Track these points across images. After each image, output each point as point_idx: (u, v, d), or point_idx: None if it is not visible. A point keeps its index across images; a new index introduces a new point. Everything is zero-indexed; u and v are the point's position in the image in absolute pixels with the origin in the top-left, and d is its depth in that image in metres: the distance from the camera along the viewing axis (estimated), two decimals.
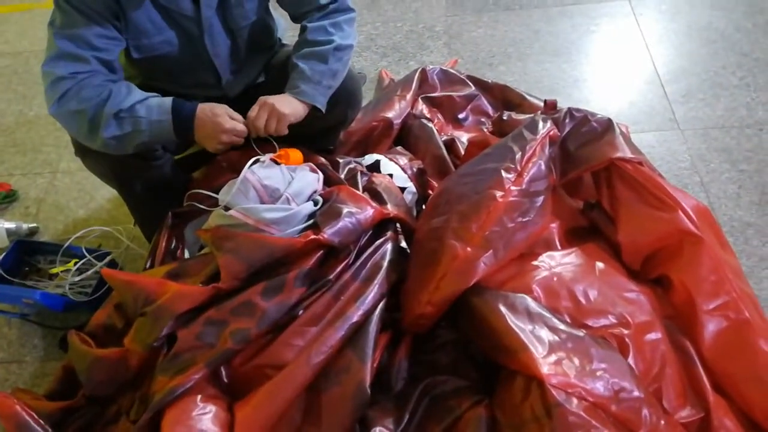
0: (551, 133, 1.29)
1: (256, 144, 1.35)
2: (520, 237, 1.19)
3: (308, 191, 1.29)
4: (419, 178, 1.56)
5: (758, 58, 1.98)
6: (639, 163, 1.26)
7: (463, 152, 1.67)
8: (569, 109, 1.36)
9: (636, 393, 0.99)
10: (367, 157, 1.58)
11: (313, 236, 1.16)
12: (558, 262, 1.21)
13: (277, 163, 1.30)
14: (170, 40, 1.29)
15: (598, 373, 0.99)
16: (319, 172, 1.37)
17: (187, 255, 1.38)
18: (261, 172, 1.26)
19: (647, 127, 1.83)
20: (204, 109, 1.23)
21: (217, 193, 1.29)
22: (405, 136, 1.76)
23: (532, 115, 1.42)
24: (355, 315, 1.11)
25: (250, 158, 1.29)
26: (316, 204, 1.27)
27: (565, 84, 2.00)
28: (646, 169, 1.26)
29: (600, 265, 1.21)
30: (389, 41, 2.28)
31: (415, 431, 1.09)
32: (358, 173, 1.43)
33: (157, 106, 1.20)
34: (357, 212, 1.22)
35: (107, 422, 1.19)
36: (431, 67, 1.95)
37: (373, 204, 1.27)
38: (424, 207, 1.47)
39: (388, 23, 2.36)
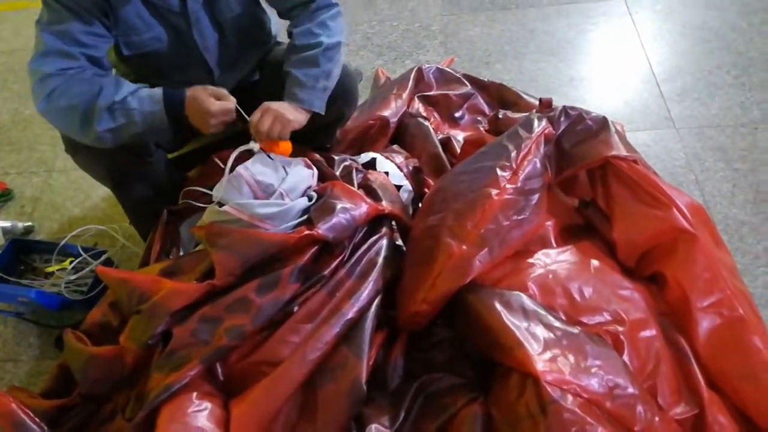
0: (546, 131, 1.29)
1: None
2: (515, 235, 1.19)
3: (302, 187, 1.29)
4: (415, 177, 1.57)
5: (753, 57, 1.98)
6: (634, 161, 1.26)
7: (459, 151, 1.67)
8: (564, 107, 1.36)
9: (631, 390, 0.99)
10: (363, 155, 1.58)
11: (307, 232, 1.17)
12: (553, 259, 1.21)
13: (269, 156, 1.29)
14: (159, 36, 1.28)
15: (593, 370, 0.99)
16: (314, 168, 1.37)
17: (182, 252, 1.38)
18: (254, 167, 1.26)
19: (643, 125, 1.84)
20: (190, 95, 1.20)
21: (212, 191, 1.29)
22: (401, 135, 1.76)
23: (527, 113, 1.42)
24: (351, 311, 1.11)
25: (245, 153, 1.28)
26: (310, 199, 1.27)
27: (561, 83, 2.01)
28: (641, 167, 1.26)
29: (595, 262, 1.22)
30: (385, 40, 2.28)
31: (411, 429, 1.09)
32: (354, 170, 1.43)
33: (148, 96, 1.19)
34: (351, 208, 1.22)
35: (103, 420, 1.19)
36: (427, 65, 1.95)
37: (368, 200, 1.27)
38: (420, 205, 1.47)
39: (384, 22, 2.36)
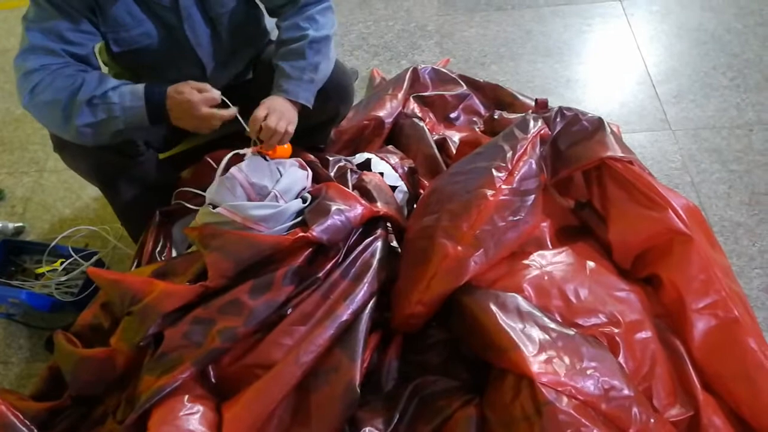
0: (542, 132, 1.28)
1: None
2: (511, 236, 1.18)
3: (297, 188, 1.28)
4: (410, 177, 1.56)
5: (748, 59, 1.99)
6: (629, 162, 1.26)
7: (454, 151, 1.67)
8: (560, 108, 1.35)
9: (626, 391, 0.99)
10: (358, 155, 1.57)
11: (301, 234, 1.16)
12: (549, 261, 1.21)
13: (264, 158, 1.29)
14: (149, 32, 1.27)
15: (589, 372, 0.98)
16: (308, 169, 1.36)
17: (174, 254, 1.37)
18: (248, 169, 1.25)
19: (638, 127, 1.83)
20: (172, 91, 1.18)
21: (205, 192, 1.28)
22: (396, 135, 1.75)
23: (523, 114, 1.41)
24: (345, 314, 1.11)
25: (238, 156, 1.28)
26: (304, 201, 1.26)
27: (557, 84, 2.01)
28: (637, 169, 1.26)
29: (591, 264, 1.21)
30: (381, 40, 2.28)
31: (405, 431, 1.08)
32: (348, 171, 1.42)
33: (129, 92, 1.17)
34: (346, 210, 1.21)
35: (94, 423, 1.18)
36: (423, 66, 1.95)
37: (363, 201, 1.26)
38: (415, 206, 1.47)
39: (380, 22, 2.36)
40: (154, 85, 1.19)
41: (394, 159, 1.56)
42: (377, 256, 1.21)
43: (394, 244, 1.34)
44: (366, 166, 1.51)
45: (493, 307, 1.07)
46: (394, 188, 1.46)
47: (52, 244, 1.57)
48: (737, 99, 1.87)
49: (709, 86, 1.92)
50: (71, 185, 1.93)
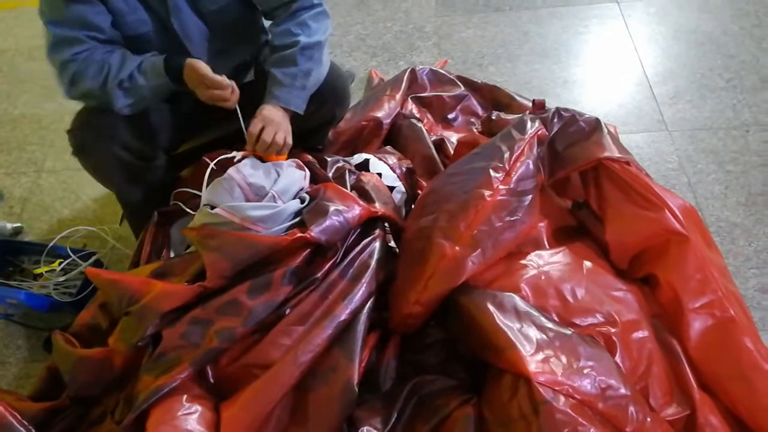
0: (539, 132, 1.29)
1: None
2: (508, 236, 1.19)
3: (295, 189, 1.28)
4: (408, 178, 1.56)
5: (744, 60, 2.00)
6: (626, 162, 1.27)
7: (452, 152, 1.67)
8: (557, 108, 1.36)
9: (623, 391, 0.99)
10: (356, 156, 1.57)
11: (299, 234, 1.16)
12: (546, 261, 1.21)
13: (262, 160, 1.29)
14: (144, 20, 1.29)
15: (586, 371, 0.99)
16: (306, 170, 1.36)
17: (172, 254, 1.37)
18: (246, 169, 1.25)
19: (635, 128, 1.84)
20: (188, 63, 1.23)
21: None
22: (394, 136, 1.75)
23: (520, 115, 1.42)
24: (343, 314, 1.11)
25: (233, 156, 1.28)
26: (302, 201, 1.26)
27: (555, 85, 2.01)
28: (634, 169, 1.26)
29: (588, 264, 1.22)
30: (379, 41, 2.28)
31: (403, 430, 1.08)
32: (346, 171, 1.42)
33: (151, 70, 1.24)
34: (344, 210, 1.21)
35: (92, 423, 1.18)
36: (421, 67, 1.95)
37: (361, 202, 1.26)
38: (413, 206, 1.47)
39: (378, 23, 2.36)
40: (171, 58, 1.25)
41: (392, 159, 1.57)
42: (375, 256, 1.21)
43: (392, 244, 1.35)
44: (364, 166, 1.51)
45: (491, 307, 1.07)
46: (392, 189, 1.47)
47: (51, 244, 1.57)
48: (734, 100, 1.88)
49: (706, 87, 1.93)
50: (69, 185, 1.93)
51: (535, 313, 1.08)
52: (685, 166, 1.72)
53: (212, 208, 1.21)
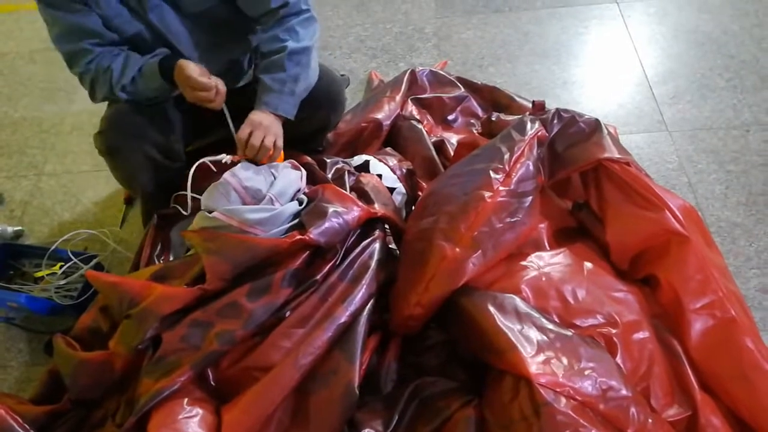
0: (539, 133, 1.29)
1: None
2: (508, 237, 1.19)
3: (292, 190, 1.28)
4: (408, 179, 1.56)
5: (744, 60, 1.99)
6: (626, 163, 1.27)
7: (452, 153, 1.67)
8: (557, 109, 1.36)
9: (624, 392, 0.99)
10: (356, 158, 1.57)
11: (299, 236, 1.16)
12: (546, 262, 1.21)
13: (255, 163, 1.29)
14: (130, 22, 1.31)
15: (587, 373, 0.99)
16: (302, 169, 1.36)
17: (172, 257, 1.37)
18: (242, 173, 1.25)
19: (635, 128, 1.84)
20: (179, 64, 1.27)
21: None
22: (394, 138, 1.75)
23: (520, 116, 1.42)
24: (343, 316, 1.11)
25: (236, 161, 1.28)
26: (300, 203, 1.26)
27: (554, 86, 2.01)
28: (634, 170, 1.26)
29: (588, 265, 1.22)
30: (378, 43, 2.28)
31: None
32: (346, 173, 1.42)
33: (149, 73, 1.30)
34: (343, 212, 1.21)
35: (93, 426, 1.18)
36: (421, 68, 1.95)
37: (360, 203, 1.26)
38: (413, 208, 1.47)
39: (378, 25, 2.36)
40: (167, 60, 1.29)
41: (393, 161, 1.57)
42: (375, 257, 1.21)
43: (393, 246, 1.35)
44: (364, 168, 1.51)
45: (491, 309, 1.07)
46: (392, 190, 1.47)
47: (52, 248, 1.57)
48: (734, 100, 1.88)
49: (706, 87, 1.93)
50: (70, 189, 1.93)
51: (536, 315, 1.08)
52: (685, 166, 1.72)
53: (210, 212, 1.21)
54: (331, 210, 1.20)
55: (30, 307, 1.46)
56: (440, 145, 1.72)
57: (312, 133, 1.54)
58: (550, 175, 1.32)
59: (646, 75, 2.00)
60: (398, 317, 1.18)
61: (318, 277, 1.17)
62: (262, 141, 1.27)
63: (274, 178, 1.27)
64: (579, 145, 1.31)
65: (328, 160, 1.47)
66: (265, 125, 1.28)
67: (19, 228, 1.80)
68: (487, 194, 1.17)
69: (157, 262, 1.36)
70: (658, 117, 1.86)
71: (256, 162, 1.30)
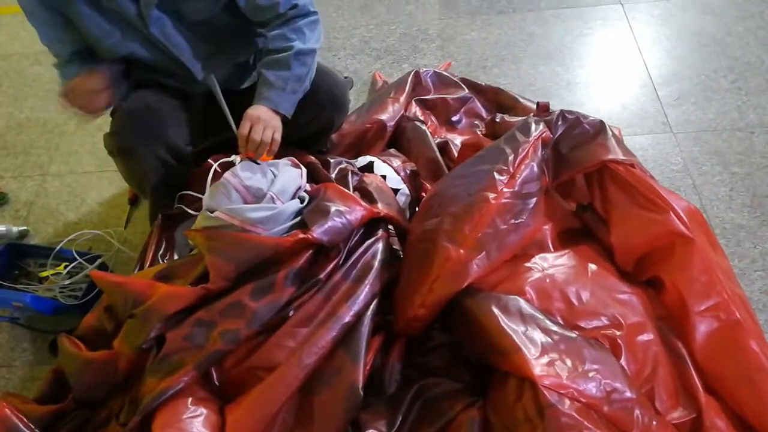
0: (544, 135, 1.29)
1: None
2: (512, 239, 1.19)
3: (292, 188, 1.28)
4: (413, 180, 1.56)
5: (749, 62, 1.99)
6: (631, 165, 1.26)
7: (456, 155, 1.67)
8: (561, 111, 1.36)
9: (628, 394, 0.99)
10: (360, 158, 1.58)
11: (302, 235, 1.16)
12: (551, 263, 1.21)
13: (255, 161, 1.29)
14: (123, 43, 1.31)
15: (591, 374, 0.98)
16: (302, 167, 1.36)
17: (176, 257, 1.37)
18: (242, 173, 1.25)
19: (640, 130, 1.84)
20: (70, 80, 1.30)
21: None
22: (398, 139, 1.75)
23: (524, 117, 1.42)
24: (347, 315, 1.11)
25: (239, 161, 1.28)
26: (302, 201, 1.26)
27: (559, 87, 2.01)
28: (638, 171, 1.26)
29: (592, 266, 1.21)
30: (383, 44, 2.28)
31: None
32: (349, 173, 1.42)
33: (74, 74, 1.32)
34: (346, 211, 1.21)
35: (97, 426, 1.18)
36: (425, 69, 1.95)
37: (362, 203, 1.26)
38: (417, 209, 1.47)
39: (382, 26, 2.36)
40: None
41: (397, 162, 1.57)
42: (379, 257, 1.21)
43: (396, 246, 1.35)
44: (369, 169, 1.51)
45: (495, 310, 1.07)
46: (396, 191, 1.47)
47: (57, 248, 1.58)
48: (738, 102, 1.87)
49: (711, 89, 1.92)
50: (75, 189, 1.94)
51: (540, 316, 1.08)
52: (689, 167, 1.71)
53: (212, 212, 1.21)
54: (333, 209, 1.20)
55: (35, 306, 1.46)
56: (444, 147, 1.72)
57: (316, 134, 1.54)
58: (554, 176, 1.32)
59: (651, 76, 1.99)
60: (402, 318, 1.18)
61: (321, 276, 1.17)
62: (262, 135, 1.26)
63: (275, 177, 1.27)
64: (583, 146, 1.31)
65: (331, 160, 1.47)
66: (263, 119, 1.27)
67: (24, 228, 1.81)
68: (491, 196, 1.17)
69: (161, 261, 1.36)
70: (662, 118, 1.86)
71: (256, 158, 1.29)
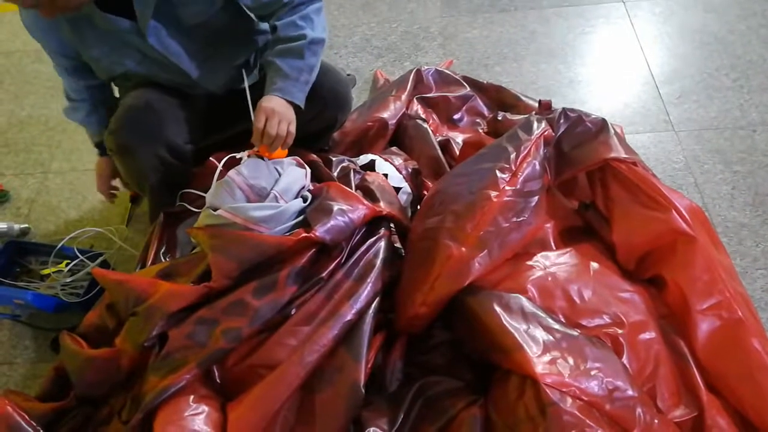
0: (546, 133, 1.29)
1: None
2: (514, 237, 1.18)
3: (296, 187, 1.28)
4: (414, 179, 1.56)
5: (751, 60, 1.99)
6: (633, 163, 1.26)
7: (458, 153, 1.67)
8: (564, 109, 1.36)
9: (630, 392, 0.99)
10: (362, 157, 1.57)
11: (304, 234, 1.16)
12: (552, 262, 1.21)
13: (262, 158, 1.29)
14: (119, 62, 1.33)
15: (593, 373, 0.98)
16: (306, 167, 1.36)
17: (179, 255, 1.37)
18: (246, 171, 1.25)
19: (642, 128, 1.83)
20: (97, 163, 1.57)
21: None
22: (400, 137, 1.75)
23: (526, 115, 1.42)
24: (349, 314, 1.11)
25: (241, 157, 1.28)
26: (305, 200, 1.26)
27: (560, 85, 2.01)
28: (640, 170, 1.26)
29: (594, 265, 1.21)
30: (384, 42, 2.28)
31: None
32: (351, 171, 1.42)
33: (89, 135, 1.57)
34: (348, 210, 1.21)
35: (99, 423, 1.18)
36: (426, 67, 1.95)
37: (365, 201, 1.26)
38: (419, 207, 1.47)
39: (384, 24, 2.36)
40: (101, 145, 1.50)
41: (398, 160, 1.57)
42: (381, 256, 1.21)
43: (398, 244, 1.34)
44: (370, 167, 1.51)
45: (497, 308, 1.07)
46: (398, 189, 1.47)
47: (59, 245, 1.58)
48: (740, 100, 1.87)
49: (712, 87, 1.92)
50: (76, 186, 1.94)
51: (542, 315, 1.08)
52: (691, 166, 1.71)
53: (214, 210, 1.21)
54: (336, 208, 1.20)
55: (36, 304, 1.46)
56: (446, 145, 1.71)
57: (318, 132, 1.53)
58: (556, 174, 1.32)
59: (653, 74, 1.99)
60: (403, 317, 1.18)
61: (323, 274, 1.17)
62: (277, 128, 1.25)
63: (279, 176, 1.27)
64: (586, 144, 1.31)
65: (333, 159, 1.47)
66: (279, 111, 1.25)
67: (26, 225, 1.81)
68: (493, 194, 1.17)
69: (163, 259, 1.36)
70: (664, 117, 1.86)
71: (262, 157, 1.28)
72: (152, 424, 1.02)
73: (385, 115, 1.74)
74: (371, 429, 1.05)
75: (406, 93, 1.82)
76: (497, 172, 1.20)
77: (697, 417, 1.06)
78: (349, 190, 1.30)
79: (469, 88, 1.93)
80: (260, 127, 1.24)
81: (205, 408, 1.05)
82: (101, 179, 1.59)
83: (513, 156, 1.22)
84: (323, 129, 1.54)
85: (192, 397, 1.06)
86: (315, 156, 1.46)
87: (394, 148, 1.69)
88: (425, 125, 1.74)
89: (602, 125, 1.32)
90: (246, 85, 1.36)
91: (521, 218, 1.19)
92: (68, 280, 1.53)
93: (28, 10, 1.27)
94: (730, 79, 1.93)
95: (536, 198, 1.22)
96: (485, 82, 1.95)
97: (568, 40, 2.17)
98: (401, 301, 1.20)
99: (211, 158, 1.47)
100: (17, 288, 1.53)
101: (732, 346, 1.10)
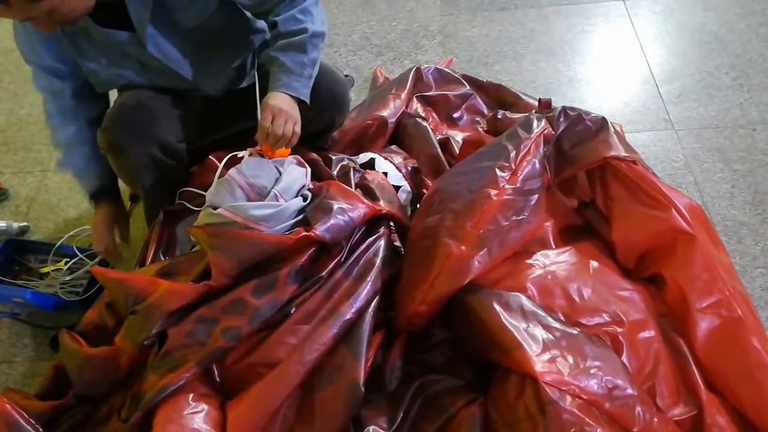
0: (545, 131, 1.28)
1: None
2: (514, 235, 1.18)
3: (297, 186, 1.28)
4: (414, 177, 1.56)
5: (751, 59, 1.99)
6: (633, 161, 1.26)
7: (457, 151, 1.67)
8: (563, 107, 1.36)
9: (629, 391, 0.99)
10: (361, 155, 1.57)
11: (304, 233, 1.16)
12: (552, 260, 1.21)
13: (262, 157, 1.28)
14: (118, 74, 1.33)
15: (592, 371, 0.98)
16: (307, 166, 1.35)
17: (178, 253, 1.37)
18: (247, 170, 1.25)
19: (641, 126, 1.83)
20: (93, 218, 1.48)
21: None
22: (400, 135, 1.75)
23: (526, 114, 1.41)
24: (349, 312, 1.11)
25: (242, 156, 1.28)
26: (305, 199, 1.26)
27: (560, 83, 2.01)
28: (640, 168, 1.26)
29: (594, 263, 1.21)
30: (384, 40, 2.28)
31: (409, 430, 1.08)
32: (351, 170, 1.42)
33: (80, 182, 1.51)
34: (348, 209, 1.21)
35: (98, 422, 1.18)
36: (426, 66, 1.94)
37: (365, 200, 1.26)
38: (418, 206, 1.47)
39: (383, 22, 2.36)
40: (97, 192, 1.49)
41: (398, 159, 1.56)
42: (380, 254, 1.21)
43: (398, 243, 1.34)
44: (370, 165, 1.51)
45: (497, 307, 1.07)
46: (397, 188, 1.46)
47: (58, 244, 1.58)
48: (740, 99, 1.87)
49: (712, 86, 1.92)
50: (75, 185, 1.93)
51: (542, 313, 1.08)
52: (691, 164, 1.71)
53: (214, 208, 1.21)
54: (336, 206, 1.20)
55: (35, 302, 1.46)
56: (445, 143, 1.71)
57: (317, 133, 1.53)
58: (556, 173, 1.32)
59: (652, 73, 1.99)
60: (403, 315, 1.18)
61: (323, 273, 1.17)
62: (283, 127, 1.24)
63: (280, 175, 1.27)
64: (585, 143, 1.31)
65: (333, 157, 1.47)
66: (285, 110, 1.24)
67: (25, 224, 1.81)
68: (492, 192, 1.17)
69: (163, 258, 1.36)
70: (664, 115, 1.86)
71: (274, 149, 1.28)
72: (152, 422, 1.02)
73: (385, 113, 1.74)
74: (371, 427, 1.05)
75: (405, 91, 1.82)
76: (497, 170, 1.20)
77: (697, 415, 1.06)
78: (349, 188, 1.30)
79: (468, 87, 1.93)
80: (267, 126, 1.23)
81: (205, 406, 1.05)
82: (99, 236, 1.46)
83: (513, 154, 1.22)
84: (322, 129, 1.54)
85: (191, 395, 1.06)
86: (315, 155, 1.46)
87: (393, 147, 1.69)
88: (425, 124, 1.74)
89: (602, 124, 1.32)
90: (255, 81, 1.35)
91: (521, 217, 1.18)
92: (67, 278, 1.53)
93: (26, 28, 1.27)
94: (730, 78, 1.93)
95: (536, 196, 1.22)
96: (485, 80, 1.94)
97: (567, 39, 2.16)
98: (401, 300, 1.20)
99: (211, 157, 1.47)
100: (16, 286, 1.53)
101: (731, 344, 1.10)
